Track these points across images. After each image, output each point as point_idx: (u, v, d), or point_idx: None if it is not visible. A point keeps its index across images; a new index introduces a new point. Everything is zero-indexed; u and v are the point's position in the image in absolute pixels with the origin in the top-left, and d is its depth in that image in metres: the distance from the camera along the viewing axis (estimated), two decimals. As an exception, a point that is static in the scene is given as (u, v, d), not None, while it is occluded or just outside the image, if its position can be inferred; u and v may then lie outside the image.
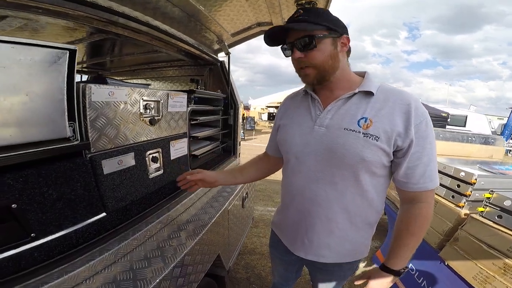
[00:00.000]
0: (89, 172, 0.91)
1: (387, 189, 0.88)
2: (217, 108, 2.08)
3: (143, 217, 1.09)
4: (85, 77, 2.90)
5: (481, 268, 1.39)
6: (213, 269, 1.46)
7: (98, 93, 0.92)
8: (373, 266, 2.28)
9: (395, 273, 0.82)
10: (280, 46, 0.84)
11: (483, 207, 1.55)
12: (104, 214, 0.96)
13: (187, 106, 1.53)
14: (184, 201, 1.33)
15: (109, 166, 0.99)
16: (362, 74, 0.86)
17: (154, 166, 1.25)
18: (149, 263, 0.89)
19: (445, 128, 7.48)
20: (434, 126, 0.80)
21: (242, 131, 10.57)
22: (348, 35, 0.80)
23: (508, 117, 10.12)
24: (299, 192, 0.89)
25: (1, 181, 0.66)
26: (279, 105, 1.07)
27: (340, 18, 0.80)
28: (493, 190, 1.55)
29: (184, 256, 0.97)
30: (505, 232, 1.37)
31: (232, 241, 1.62)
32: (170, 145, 1.39)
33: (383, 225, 2.71)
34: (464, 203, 1.73)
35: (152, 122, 1.22)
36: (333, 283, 1.00)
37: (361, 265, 2.33)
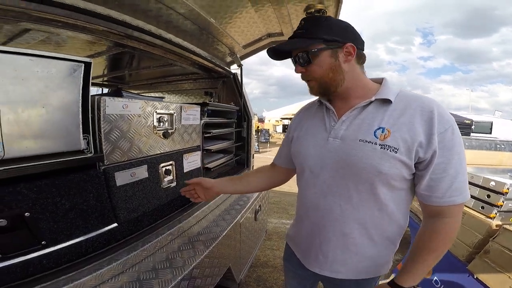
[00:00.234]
0: (102, 184, 0.92)
1: (410, 203, 0.81)
2: (230, 121, 2.10)
3: (154, 228, 1.08)
4: (105, 90, 3.04)
5: (515, 281, 1.31)
6: (224, 281, 1.42)
7: (112, 106, 0.94)
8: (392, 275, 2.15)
9: None
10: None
11: (517, 218, 1.48)
12: (115, 224, 0.96)
13: (200, 119, 1.54)
14: (196, 213, 1.31)
15: (122, 178, 1.00)
16: (379, 81, 0.82)
17: (167, 178, 1.26)
18: (156, 274, 0.88)
19: (469, 135, 7.12)
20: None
21: (256, 143, 10.60)
22: (354, 42, 0.75)
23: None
24: (313, 206, 0.85)
25: (15, 191, 0.68)
26: (293, 116, 1.04)
27: (348, 24, 0.77)
28: (528, 199, 1.48)
29: (193, 269, 0.95)
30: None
31: (243, 254, 1.58)
32: (184, 158, 1.39)
33: (406, 237, 2.54)
34: (496, 213, 1.65)
35: (166, 135, 1.24)
36: None
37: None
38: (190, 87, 2.62)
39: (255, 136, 11.27)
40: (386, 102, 0.74)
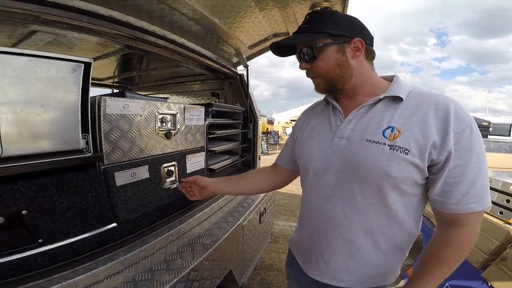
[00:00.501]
0: (101, 183, 0.93)
1: (423, 209, 0.75)
2: (236, 122, 2.08)
3: (154, 229, 1.08)
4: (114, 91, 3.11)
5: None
6: (226, 284, 1.40)
7: (112, 105, 0.94)
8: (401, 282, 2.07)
9: None
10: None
11: (538, 224, 1.39)
12: (114, 224, 0.96)
13: (205, 120, 1.54)
14: (198, 214, 1.30)
15: (122, 178, 1.00)
16: (390, 79, 0.77)
17: (169, 179, 1.25)
18: (152, 275, 0.87)
19: (487, 138, 6.85)
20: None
21: (266, 145, 10.56)
22: (362, 37, 0.71)
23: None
24: (315, 210, 0.81)
25: (13, 189, 0.68)
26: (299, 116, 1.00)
27: (356, 19, 0.74)
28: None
29: (190, 271, 0.93)
30: None
31: (246, 256, 1.55)
32: (186, 159, 1.39)
33: (417, 242, 2.44)
34: (515, 219, 1.58)
35: (168, 135, 1.23)
36: None
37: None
38: (197, 88, 2.63)
39: (264, 138, 11.25)
40: (397, 99, 0.69)
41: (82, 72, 0.80)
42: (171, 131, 1.25)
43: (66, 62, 0.75)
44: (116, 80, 2.77)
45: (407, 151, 0.63)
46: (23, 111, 0.69)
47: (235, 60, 2.03)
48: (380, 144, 0.66)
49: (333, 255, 0.78)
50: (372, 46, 0.76)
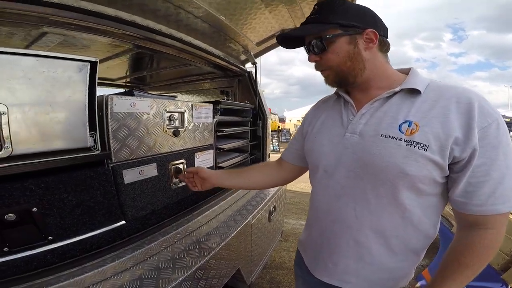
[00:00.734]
0: (110, 181, 0.94)
1: (442, 210, 0.70)
2: (245, 119, 2.07)
3: (161, 227, 1.08)
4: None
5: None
6: (234, 282, 1.39)
7: (120, 104, 0.95)
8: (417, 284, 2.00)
9: None
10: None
11: None
12: (123, 222, 0.97)
13: (213, 117, 1.53)
14: (206, 213, 1.30)
15: (130, 175, 1.01)
16: (406, 72, 0.72)
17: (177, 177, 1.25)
18: (159, 274, 0.87)
19: (510, 134, 6.53)
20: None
21: (277, 143, 10.50)
22: (375, 28, 0.67)
23: None
24: (324, 210, 0.78)
25: (23, 186, 0.70)
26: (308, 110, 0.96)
27: (367, 9, 0.69)
28: None
29: (196, 270, 0.93)
30: None
31: (255, 255, 1.54)
32: (195, 157, 1.39)
33: (434, 241, 2.36)
34: (540, 220, 1.45)
35: (176, 133, 1.24)
36: None
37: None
38: (207, 86, 2.64)
39: (276, 136, 11.18)
40: (414, 93, 0.65)
41: (88, 71, 0.81)
42: (179, 129, 1.25)
43: (72, 62, 0.76)
44: (128, 80, 2.82)
45: (426, 147, 0.59)
46: (31, 110, 0.70)
47: (243, 57, 2.02)
48: (396, 139, 0.62)
49: (342, 257, 0.75)
50: (387, 38, 0.71)
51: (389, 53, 0.73)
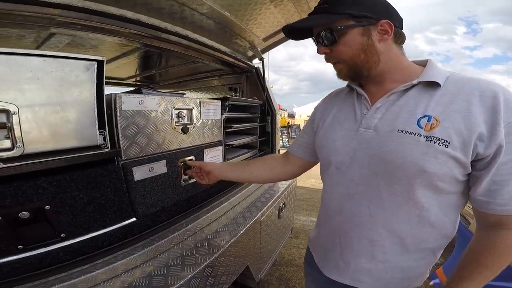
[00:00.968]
0: (120, 178, 0.95)
1: (462, 209, 0.67)
2: (253, 115, 2.06)
3: (171, 224, 1.09)
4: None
5: None
6: (243, 279, 1.39)
7: (128, 102, 0.95)
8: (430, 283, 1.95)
9: None
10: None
11: None
12: (134, 219, 0.98)
13: (222, 114, 1.53)
14: (215, 209, 1.30)
15: (140, 173, 1.02)
16: (423, 64, 0.69)
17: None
18: (168, 270, 0.88)
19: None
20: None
21: (286, 139, 10.44)
22: (390, 19, 0.63)
23: None
24: (336, 208, 0.75)
25: (36, 184, 0.71)
26: (319, 103, 0.93)
27: None
28: None
29: (205, 267, 0.93)
30: None
31: (264, 252, 1.53)
32: (204, 153, 1.39)
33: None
34: None
35: (185, 130, 1.24)
36: None
37: None
38: (215, 83, 2.64)
39: (285, 132, 11.10)
40: (433, 85, 0.61)
41: (95, 70, 0.81)
42: (188, 126, 1.25)
43: (79, 61, 0.77)
44: (138, 79, 2.86)
45: (447, 143, 0.56)
46: (41, 110, 0.71)
47: (250, 53, 2.00)
48: (415, 135, 0.59)
49: (354, 256, 0.73)
50: (402, 29, 0.68)
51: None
